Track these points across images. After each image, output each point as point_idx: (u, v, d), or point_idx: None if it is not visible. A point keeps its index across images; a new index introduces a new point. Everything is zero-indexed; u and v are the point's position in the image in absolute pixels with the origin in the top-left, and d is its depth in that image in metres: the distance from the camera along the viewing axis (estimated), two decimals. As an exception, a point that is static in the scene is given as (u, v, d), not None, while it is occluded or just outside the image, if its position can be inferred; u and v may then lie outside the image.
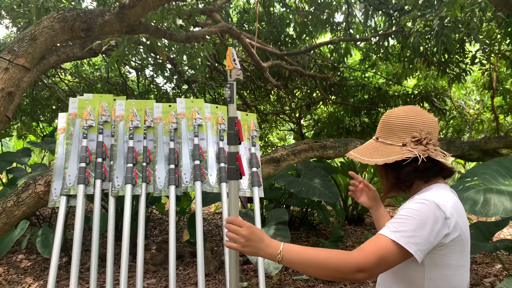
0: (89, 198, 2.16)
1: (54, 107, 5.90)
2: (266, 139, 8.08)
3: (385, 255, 0.97)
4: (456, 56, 4.21)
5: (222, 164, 2.24)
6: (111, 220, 2.03)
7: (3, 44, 3.15)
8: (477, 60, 4.22)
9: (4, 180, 5.55)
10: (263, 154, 2.77)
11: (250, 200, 5.32)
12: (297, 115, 6.98)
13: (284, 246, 1.05)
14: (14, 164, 4.53)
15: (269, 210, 4.23)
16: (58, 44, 3.06)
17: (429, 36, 3.76)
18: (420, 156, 1.07)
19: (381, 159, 1.11)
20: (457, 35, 3.91)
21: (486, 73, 4.73)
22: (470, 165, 6.87)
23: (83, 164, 2.05)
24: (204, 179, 2.19)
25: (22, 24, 3.92)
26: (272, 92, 6.47)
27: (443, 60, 4.22)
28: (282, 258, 1.03)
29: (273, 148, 6.93)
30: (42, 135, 6.97)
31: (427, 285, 1.04)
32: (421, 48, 4.06)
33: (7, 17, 4.16)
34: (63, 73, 6.09)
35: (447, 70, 4.36)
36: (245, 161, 2.36)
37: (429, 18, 3.30)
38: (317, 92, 5.89)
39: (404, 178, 1.12)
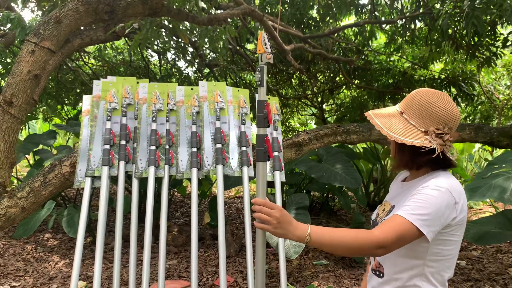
0: (113, 180, 2.19)
1: (78, 90, 6.00)
2: (287, 124, 8.02)
3: (403, 234, 1.10)
4: (487, 39, 4.04)
5: (244, 148, 2.23)
6: (135, 201, 2.06)
7: (29, 27, 3.19)
8: (508, 43, 4.05)
9: (31, 162, 5.71)
10: (285, 139, 2.74)
11: (270, 184, 5.31)
12: (319, 99, 6.89)
13: (311, 228, 1.12)
14: (40, 146, 4.64)
15: (289, 195, 4.22)
16: (82, 28, 3.08)
17: (458, 18, 3.62)
18: (437, 150, 1.15)
19: (401, 138, 1.18)
20: (488, 17, 3.75)
21: (518, 56, 4.54)
22: (498, 152, 6.67)
23: (107, 146, 2.08)
24: (225, 162, 2.19)
25: (47, 7, 3.96)
26: (294, 76, 6.39)
27: (472, 43, 4.06)
28: (310, 239, 1.11)
29: (294, 133, 6.88)
30: (67, 118, 7.11)
31: (429, 258, 1.18)
32: (450, 30, 3.91)
33: (33, 0, 4.21)
34: (86, 57, 6.16)
35: (477, 54, 4.20)
36: (267, 145, 2.35)
37: (459, -1, 3.17)
38: (340, 76, 5.78)
39: (416, 161, 1.22)
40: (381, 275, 1.28)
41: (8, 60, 4.76)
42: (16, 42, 3.85)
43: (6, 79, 2.38)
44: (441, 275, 1.20)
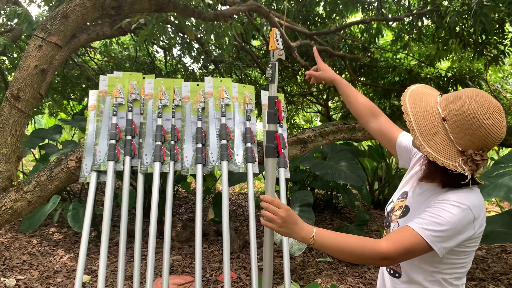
0: (117, 175, 2.20)
1: (84, 85, 6.02)
2: (292, 121, 8.02)
3: (412, 248, 1.07)
4: (495, 37, 4.01)
5: (249, 144, 2.23)
6: (140, 196, 2.06)
7: (36, 22, 3.20)
8: (517, 42, 4.02)
9: (36, 156, 5.74)
10: (290, 135, 2.74)
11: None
12: (324, 96, 6.87)
13: (317, 231, 1.12)
14: (46, 141, 4.67)
15: (293, 192, 4.22)
16: (88, 23, 3.09)
17: (466, 15, 3.59)
18: (468, 177, 1.04)
19: (434, 154, 1.06)
20: (496, 15, 3.71)
21: (526, 55, 4.50)
22: (504, 151, 6.63)
23: (113, 141, 2.08)
24: (230, 158, 2.19)
25: (53, 2, 3.97)
26: (300, 72, 6.38)
27: (480, 41, 4.03)
28: (315, 242, 1.11)
29: (299, 130, 6.88)
30: (73, 113, 7.15)
31: (443, 267, 1.15)
32: (457, 28, 3.88)
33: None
34: (92, 52, 6.18)
35: (484, 52, 4.17)
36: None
37: (467, -4, 3.15)
38: (346, 73, 5.76)
39: (442, 180, 1.14)
40: (397, 275, 1.26)
41: (15, 55, 4.78)
42: (23, 37, 3.87)
43: (13, 73, 2.39)
44: (455, 281, 1.19)
